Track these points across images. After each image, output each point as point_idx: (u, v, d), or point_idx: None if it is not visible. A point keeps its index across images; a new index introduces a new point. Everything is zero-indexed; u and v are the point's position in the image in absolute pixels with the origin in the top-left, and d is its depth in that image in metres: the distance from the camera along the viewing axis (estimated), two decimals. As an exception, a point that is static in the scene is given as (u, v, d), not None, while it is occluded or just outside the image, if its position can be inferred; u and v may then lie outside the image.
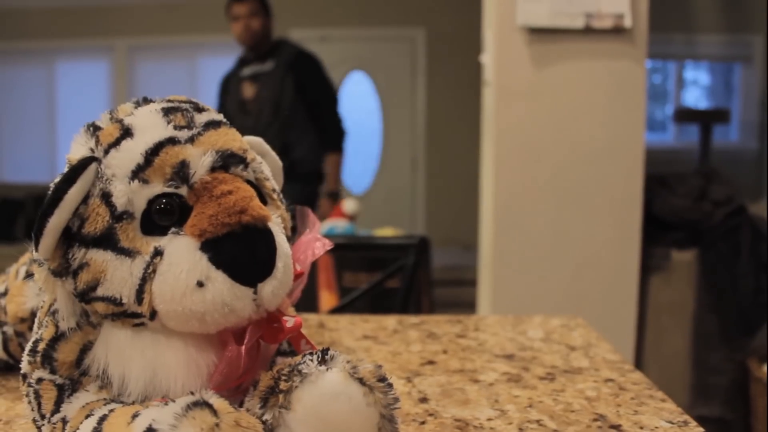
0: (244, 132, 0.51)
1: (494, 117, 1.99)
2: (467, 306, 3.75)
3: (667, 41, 4.36)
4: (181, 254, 0.43)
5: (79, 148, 0.46)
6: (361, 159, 5.79)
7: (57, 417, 0.45)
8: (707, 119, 3.39)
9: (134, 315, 0.44)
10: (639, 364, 2.25)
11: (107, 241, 0.43)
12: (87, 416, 0.43)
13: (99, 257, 0.43)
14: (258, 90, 2.93)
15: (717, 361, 2.37)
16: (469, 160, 4.17)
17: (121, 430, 0.40)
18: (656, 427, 0.57)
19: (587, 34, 1.93)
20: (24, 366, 0.47)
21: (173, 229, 0.44)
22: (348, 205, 3.44)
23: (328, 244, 0.51)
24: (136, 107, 0.47)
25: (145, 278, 0.43)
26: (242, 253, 0.43)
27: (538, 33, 1.94)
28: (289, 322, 0.46)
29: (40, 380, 0.46)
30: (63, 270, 0.44)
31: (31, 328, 0.63)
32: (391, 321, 0.94)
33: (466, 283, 3.95)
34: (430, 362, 0.75)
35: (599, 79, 1.96)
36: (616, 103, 1.96)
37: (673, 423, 0.58)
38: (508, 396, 0.65)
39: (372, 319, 0.95)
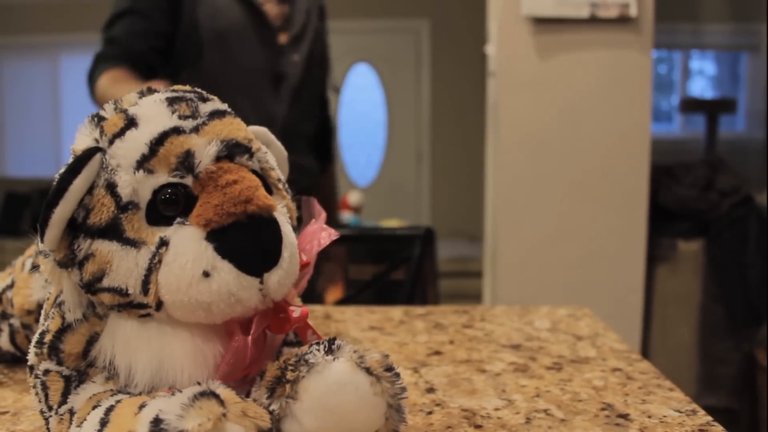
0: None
1: (499, 108, 1.98)
2: (473, 297, 3.75)
3: (672, 31, 4.34)
4: (187, 244, 0.42)
5: (83, 138, 0.46)
6: (366, 151, 5.78)
7: (64, 408, 0.45)
8: (713, 109, 3.37)
9: (140, 306, 0.44)
10: (645, 354, 2.24)
11: (112, 231, 0.43)
12: (94, 407, 0.43)
13: (104, 248, 0.43)
14: (292, 12, 1.62)
15: (723, 352, 2.37)
16: (474, 151, 4.16)
17: (128, 420, 0.40)
18: (664, 416, 0.57)
19: (592, 23, 1.92)
20: (31, 357, 0.47)
21: (179, 219, 0.43)
22: (353, 198, 3.45)
23: (334, 234, 0.51)
24: (140, 97, 0.47)
25: (151, 268, 0.43)
26: (248, 242, 0.43)
27: (543, 23, 1.93)
28: (296, 312, 0.46)
29: (47, 372, 0.46)
30: (69, 261, 0.44)
31: (37, 321, 0.63)
32: (397, 312, 0.94)
33: (471, 275, 3.95)
34: (437, 353, 0.75)
35: (605, 69, 1.95)
36: (622, 94, 1.96)
37: (681, 412, 0.58)
38: (515, 386, 0.64)
39: (378, 310, 0.94)
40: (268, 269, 0.43)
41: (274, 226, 0.44)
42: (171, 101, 0.46)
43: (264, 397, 0.44)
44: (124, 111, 0.46)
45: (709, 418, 0.56)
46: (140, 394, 0.44)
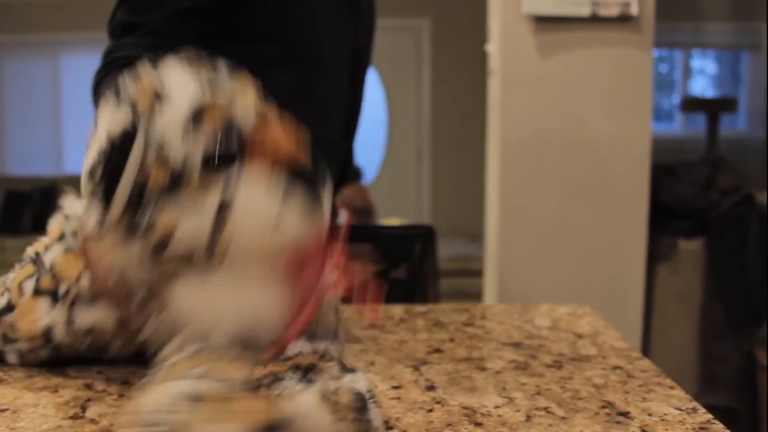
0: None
1: (500, 106, 1.98)
2: (473, 297, 3.75)
3: (673, 30, 4.34)
4: (251, 195, 0.45)
5: (116, 117, 0.47)
6: (366, 150, 5.78)
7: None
8: (714, 108, 3.37)
9: (205, 265, 0.46)
10: (646, 353, 2.24)
11: (173, 195, 0.45)
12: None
13: (168, 212, 0.45)
14: None
15: (724, 351, 2.37)
16: (475, 150, 4.16)
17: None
18: (665, 414, 0.57)
19: (593, 22, 1.92)
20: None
21: (235, 173, 0.46)
22: (353, 196, 3.43)
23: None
24: (159, 69, 0.49)
25: (218, 224, 0.45)
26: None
27: (544, 21, 1.92)
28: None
29: None
30: (131, 232, 0.46)
31: (45, 344, 0.64)
32: (397, 310, 0.94)
33: (472, 274, 3.95)
34: (437, 350, 0.75)
35: (606, 67, 1.94)
36: (623, 92, 1.95)
37: (681, 410, 0.58)
38: (516, 383, 0.64)
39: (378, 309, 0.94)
40: None
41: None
42: (192, 68, 0.48)
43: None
44: (150, 83, 0.47)
45: (710, 416, 0.56)
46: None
